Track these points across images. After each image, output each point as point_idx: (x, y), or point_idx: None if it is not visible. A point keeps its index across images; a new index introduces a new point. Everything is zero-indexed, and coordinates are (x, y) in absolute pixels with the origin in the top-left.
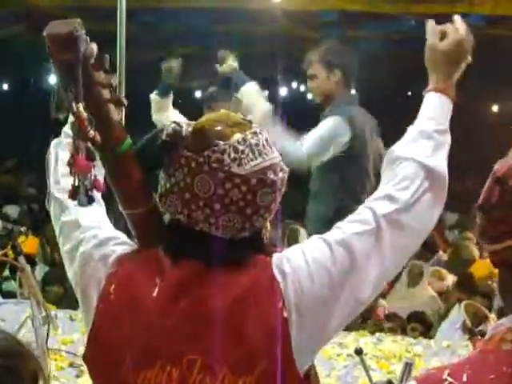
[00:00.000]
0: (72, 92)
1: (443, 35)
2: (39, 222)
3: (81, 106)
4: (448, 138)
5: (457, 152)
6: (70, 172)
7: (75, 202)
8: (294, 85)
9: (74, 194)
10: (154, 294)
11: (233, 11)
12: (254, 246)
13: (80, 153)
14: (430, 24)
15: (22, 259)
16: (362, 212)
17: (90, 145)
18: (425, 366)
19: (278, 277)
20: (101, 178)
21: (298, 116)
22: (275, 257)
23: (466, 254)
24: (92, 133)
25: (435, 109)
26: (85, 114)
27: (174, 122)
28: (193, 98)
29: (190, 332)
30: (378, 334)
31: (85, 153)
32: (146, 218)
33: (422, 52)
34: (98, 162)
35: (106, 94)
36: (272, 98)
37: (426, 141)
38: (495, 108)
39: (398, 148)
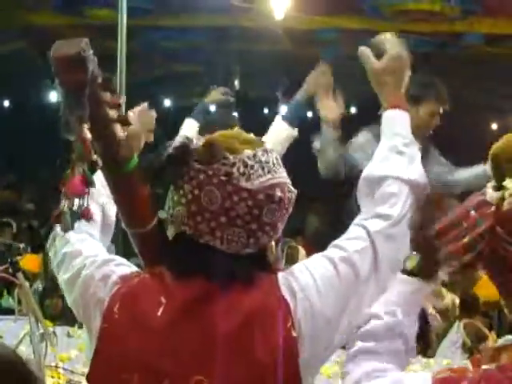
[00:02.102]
0: (78, 113)
1: (380, 53)
2: (38, 238)
3: (85, 128)
4: (416, 148)
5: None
6: (63, 194)
7: (77, 236)
8: None
9: (59, 216)
10: (159, 313)
11: (233, 30)
12: (259, 263)
13: (77, 175)
14: (361, 50)
15: (20, 276)
16: (355, 230)
17: (87, 169)
18: None
19: (287, 296)
20: (93, 208)
21: (298, 134)
22: (281, 276)
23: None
24: (95, 156)
25: (396, 124)
26: (89, 136)
27: (185, 136)
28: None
29: (196, 352)
30: None
31: (81, 176)
32: (150, 237)
33: (422, 70)
34: (92, 192)
35: (113, 113)
36: (272, 116)
37: (398, 156)
38: (494, 125)
39: (375, 168)
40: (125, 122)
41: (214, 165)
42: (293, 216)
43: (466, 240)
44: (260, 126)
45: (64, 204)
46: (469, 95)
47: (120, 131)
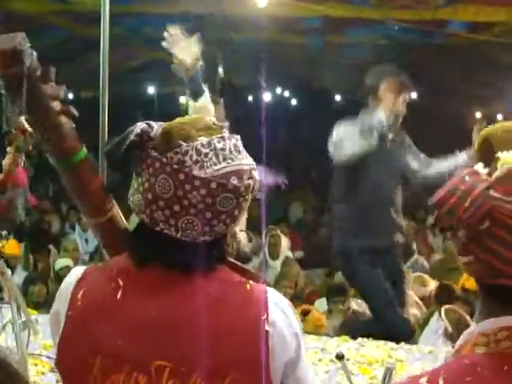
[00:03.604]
0: (17, 105)
1: None
2: (20, 225)
3: (24, 120)
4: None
5: (441, 153)
6: (4, 187)
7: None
8: (279, 90)
9: (10, 206)
10: (118, 299)
11: (217, 17)
12: (216, 251)
13: (19, 167)
14: None
15: (2, 263)
16: None
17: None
18: (407, 371)
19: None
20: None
21: (282, 121)
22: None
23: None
24: (30, 147)
25: None
26: (28, 127)
27: (146, 123)
28: (175, 103)
29: (158, 338)
30: (360, 339)
31: (23, 168)
32: (109, 225)
33: (406, 57)
34: None
35: (56, 105)
36: (256, 103)
37: None
38: (478, 113)
39: None
40: (68, 113)
41: (168, 153)
42: (277, 204)
43: (467, 202)
44: (244, 114)
45: (11, 194)
46: (454, 83)
47: (66, 122)
